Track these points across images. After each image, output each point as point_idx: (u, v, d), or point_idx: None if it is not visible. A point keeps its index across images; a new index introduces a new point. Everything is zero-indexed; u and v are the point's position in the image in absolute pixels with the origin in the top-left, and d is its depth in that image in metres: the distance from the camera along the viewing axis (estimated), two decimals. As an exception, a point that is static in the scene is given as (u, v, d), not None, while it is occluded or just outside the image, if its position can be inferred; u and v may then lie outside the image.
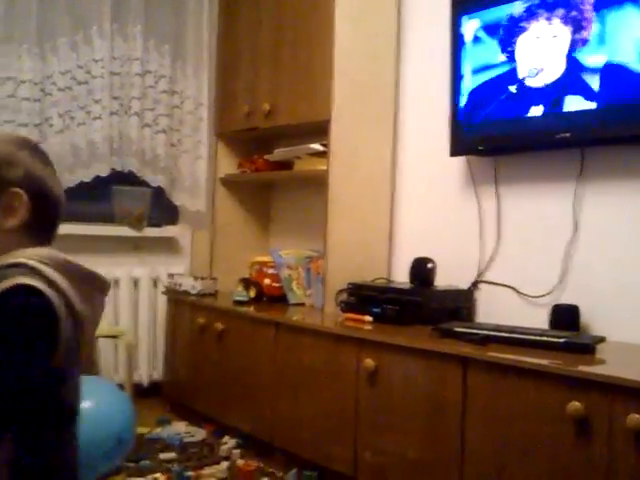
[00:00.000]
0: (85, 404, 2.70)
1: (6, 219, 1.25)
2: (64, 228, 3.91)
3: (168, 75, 4.05)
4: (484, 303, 3.07)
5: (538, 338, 2.40)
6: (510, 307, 2.95)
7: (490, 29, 2.89)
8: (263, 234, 4.28)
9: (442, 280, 3.11)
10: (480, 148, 3.00)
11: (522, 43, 2.79)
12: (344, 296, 3.20)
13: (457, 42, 3.03)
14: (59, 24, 3.71)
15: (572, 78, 2.63)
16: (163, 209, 4.22)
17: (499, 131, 2.88)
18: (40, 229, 1.29)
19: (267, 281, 3.68)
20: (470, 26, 2.97)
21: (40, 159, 1.31)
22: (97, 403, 2.76)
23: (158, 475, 2.88)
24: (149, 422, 3.50)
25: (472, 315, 3.06)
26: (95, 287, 1.27)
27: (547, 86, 2.70)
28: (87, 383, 2.96)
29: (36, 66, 3.65)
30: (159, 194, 4.10)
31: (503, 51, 2.85)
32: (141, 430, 3.19)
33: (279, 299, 3.62)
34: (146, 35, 3.96)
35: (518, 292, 2.94)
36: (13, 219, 1.25)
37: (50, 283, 1.15)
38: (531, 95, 2.75)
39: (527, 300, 2.91)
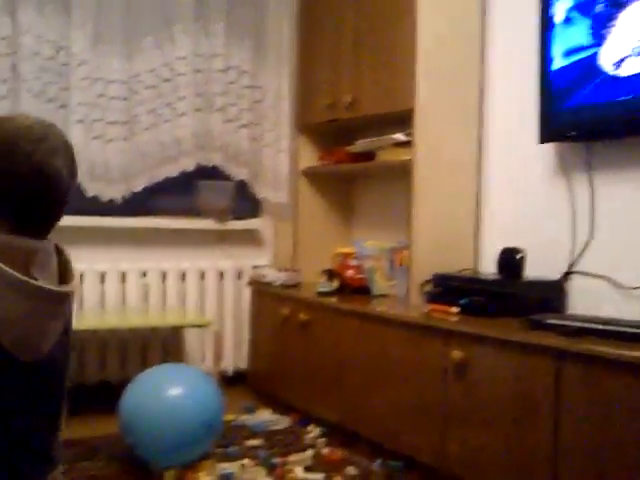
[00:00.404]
0: (176, 391, 2.82)
1: None
2: (153, 222, 4.05)
3: (250, 70, 4.11)
4: (577, 295, 2.98)
5: (636, 330, 2.31)
6: (604, 299, 2.85)
7: (583, 8, 2.78)
8: (345, 225, 4.31)
9: (531, 271, 3.06)
10: (571, 134, 2.90)
11: (621, 21, 2.65)
12: (429, 287, 3.19)
13: (547, 23, 2.94)
14: (144, 24, 3.81)
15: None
16: (246, 202, 4.29)
17: (592, 116, 2.76)
18: (7, 216, 1.23)
19: (350, 272, 3.71)
20: (561, 6, 2.88)
21: (17, 140, 1.22)
22: (188, 390, 2.85)
23: (246, 461, 2.95)
24: (235, 410, 3.57)
25: (563, 307, 2.97)
26: (11, 287, 1.18)
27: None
28: (178, 371, 3.08)
29: (123, 65, 3.75)
30: (242, 187, 4.18)
31: (598, 31, 2.73)
32: (227, 417, 3.26)
33: (362, 290, 3.64)
34: (228, 31, 4.02)
35: (613, 283, 2.84)
36: None
37: None
38: (630, 76, 2.62)
39: (623, 291, 2.81)
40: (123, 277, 3.88)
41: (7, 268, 1.16)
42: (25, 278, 1.18)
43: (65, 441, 3.27)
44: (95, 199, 3.76)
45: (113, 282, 3.84)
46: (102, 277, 3.82)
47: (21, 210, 1.23)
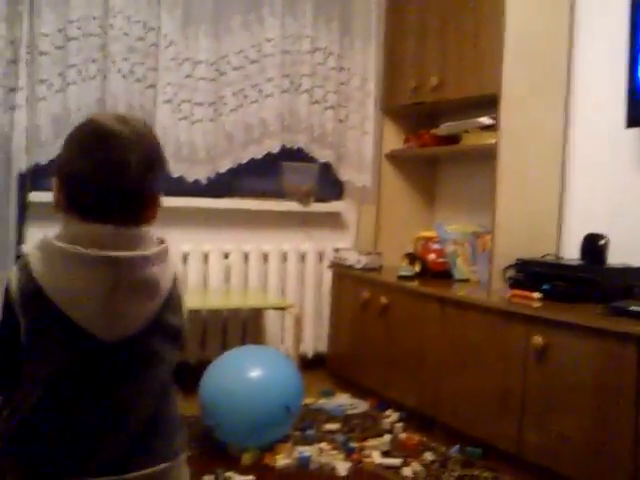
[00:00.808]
0: (257, 373, 2.82)
1: (55, 203, 1.36)
2: (236, 203, 4.08)
3: (336, 52, 4.10)
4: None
5: None
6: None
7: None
8: (428, 209, 4.25)
9: (614, 258, 2.98)
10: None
11: None
12: (512, 272, 3.14)
13: (638, 6, 2.86)
14: (233, 4, 3.83)
15: None
16: (329, 184, 4.28)
17: None
18: (79, 209, 1.31)
19: (432, 256, 3.67)
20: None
21: (84, 139, 1.32)
22: (268, 372, 2.86)
23: (323, 444, 2.95)
24: (313, 393, 3.58)
25: (647, 294, 2.92)
26: (77, 262, 1.26)
27: None
28: (259, 353, 3.09)
29: (212, 46, 3.79)
30: (326, 169, 4.17)
31: None
32: (306, 401, 3.27)
33: (444, 275, 3.60)
34: (316, 12, 4.02)
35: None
36: (56, 202, 1.35)
37: (25, 263, 1.28)
38: None
39: None
40: (205, 258, 3.92)
41: (62, 244, 1.27)
42: (75, 248, 1.26)
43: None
44: (181, 180, 3.81)
45: (196, 263, 3.88)
46: (185, 258, 3.87)
47: (88, 201, 1.31)
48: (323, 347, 4.19)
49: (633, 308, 2.45)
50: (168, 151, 3.70)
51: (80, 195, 1.30)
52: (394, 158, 4.14)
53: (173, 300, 1.34)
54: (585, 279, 2.81)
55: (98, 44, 3.54)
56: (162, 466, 1.32)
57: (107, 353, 1.26)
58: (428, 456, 2.90)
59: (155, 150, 1.35)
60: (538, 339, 2.60)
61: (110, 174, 1.28)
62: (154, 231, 1.40)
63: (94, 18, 3.52)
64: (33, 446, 1.26)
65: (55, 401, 1.26)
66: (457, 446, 2.96)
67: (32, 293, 1.25)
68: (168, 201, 3.88)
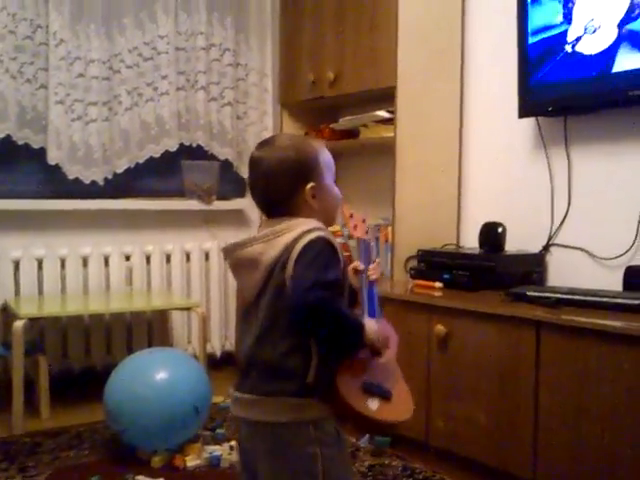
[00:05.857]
0: (163, 375, 2.77)
1: None
2: (136, 204, 3.93)
3: (232, 48, 4.08)
4: (556, 267, 3.02)
5: (612, 300, 2.36)
6: (582, 270, 2.89)
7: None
8: (330, 204, 4.25)
9: (512, 244, 3.06)
10: (549, 109, 2.93)
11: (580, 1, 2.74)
12: (413, 263, 3.19)
13: (522, 3, 2.96)
14: (125, 3, 3.76)
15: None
16: (230, 182, 4.25)
17: (568, 91, 2.81)
18: None
19: (335, 250, 3.67)
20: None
21: None
22: (174, 374, 2.82)
23: (233, 443, 2.93)
24: (223, 392, 3.54)
25: (544, 279, 3.01)
26: None
27: (612, 45, 2.63)
28: (164, 355, 3.03)
29: (104, 45, 3.70)
30: (227, 167, 4.14)
31: (565, 11, 2.79)
32: (215, 400, 3.24)
33: (348, 268, 3.62)
34: (209, 8, 3.98)
35: (590, 254, 2.88)
36: None
37: None
38: (600, 53, 2.68)
39: (600, 262, 2.85)
40: (106, 261, 3.81)
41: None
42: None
43: (50, 430, 3.22)
44: (77, 182, 3.71)
45: (96, 266, 3.78)
46: (85, 261, 3.75)
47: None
48: (231, 345, 4.16)
49: (530, 293, 2.53)
50: (63, 153, 3.61)
51: None
52: (295, 154, 4.11)
53: (277, 266, 1.58)
54: (484, 267, 2.88)
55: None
56: (246, 397, 1.61)
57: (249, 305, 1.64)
58: (339, 447, 2.92)
59: (274, 165, 1.64)
60: (440, 327, 2.65)
61: (250, 188, 1.73)
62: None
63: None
64: None
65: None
66: (367, 436, 2.99)
67: None
68: (66, 204, 3.77)
